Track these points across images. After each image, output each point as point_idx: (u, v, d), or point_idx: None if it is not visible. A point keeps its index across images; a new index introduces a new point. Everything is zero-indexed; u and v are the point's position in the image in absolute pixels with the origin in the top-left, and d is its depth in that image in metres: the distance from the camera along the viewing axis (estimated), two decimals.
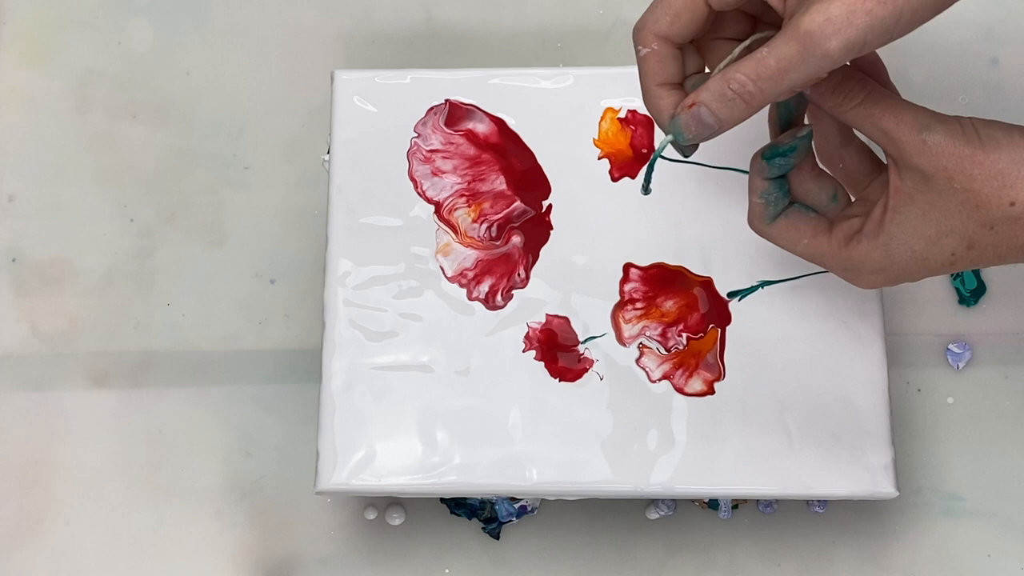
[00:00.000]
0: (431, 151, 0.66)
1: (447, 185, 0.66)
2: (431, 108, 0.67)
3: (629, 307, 0.64)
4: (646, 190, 0.53)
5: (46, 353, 0.72)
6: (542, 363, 0.63)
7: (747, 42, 0.47)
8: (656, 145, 0.55)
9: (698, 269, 0.64)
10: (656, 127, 0.64)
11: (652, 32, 0.48)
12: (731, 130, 0.49)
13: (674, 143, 0.49)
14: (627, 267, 0.64)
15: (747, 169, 0.63)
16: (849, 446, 0.61)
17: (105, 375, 0.71)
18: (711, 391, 0.62)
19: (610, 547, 0.67)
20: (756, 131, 0.56)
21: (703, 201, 0.65)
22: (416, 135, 0.66)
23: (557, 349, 0.63)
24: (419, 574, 0.68)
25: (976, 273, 0.70)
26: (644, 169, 0.56)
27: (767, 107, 0.49)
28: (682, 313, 0.64)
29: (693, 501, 0.67)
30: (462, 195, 0.66)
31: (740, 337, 0.63)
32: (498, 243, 0.65)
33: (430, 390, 0.62)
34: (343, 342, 0.63)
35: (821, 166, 0.53)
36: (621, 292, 0.64)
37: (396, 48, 0.76)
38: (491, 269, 0.64)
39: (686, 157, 0.50)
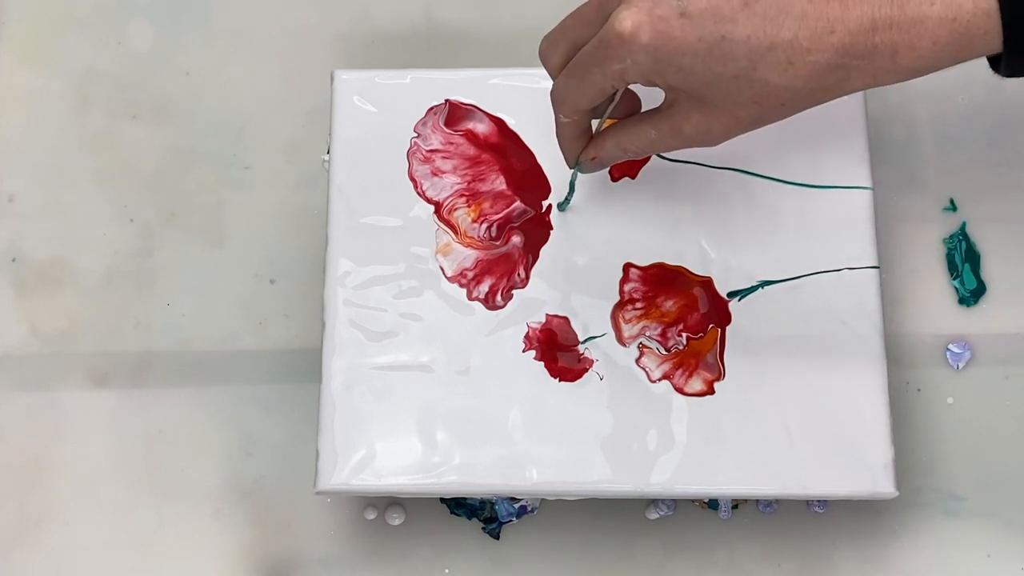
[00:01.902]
0: (431, 151, 0.66)
1: (447, 185, 0.66)
2: (431, 108, 0.67)
3: (629, 307, 0.64)
4: (563, 208, 0.65)
5: (46, 353, 0.72)
6: (542, 363, 0.63)
7: (616, 99, 0.57)
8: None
9: (698, 269, 0.64)
10: None
11: (574, 108, 0.57)
12: None
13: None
14: (627, 267, 0.64)
15: (747, 169, 0.64)
16: (849, 446, 0.61)
17: (105, 375, 0.71)
18: (711, 391, 0.62)
19: (610, 547, 0.67)
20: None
21: (703, 201, 0.65)
22: (416, 135, 0.66)
23: (557, 349, 0.63)
24: (419, 574, 0.68)
25: (976, 273, 0.70)
26: (566, 193, 0.64)
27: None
28: (682, 313, 0.64)
29: (693, 501, 0.67)
30: (462, 195, 0.65)
31: (740, 337, 0.63)
32: (498, 243, 0.65)
33: (430, 390, 0.62)
34: (343, 342, 0.63)
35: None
36: (621, 292, 0.64)
37: (396, 48, 0.76)
38: (491, 269, 0.64)
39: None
